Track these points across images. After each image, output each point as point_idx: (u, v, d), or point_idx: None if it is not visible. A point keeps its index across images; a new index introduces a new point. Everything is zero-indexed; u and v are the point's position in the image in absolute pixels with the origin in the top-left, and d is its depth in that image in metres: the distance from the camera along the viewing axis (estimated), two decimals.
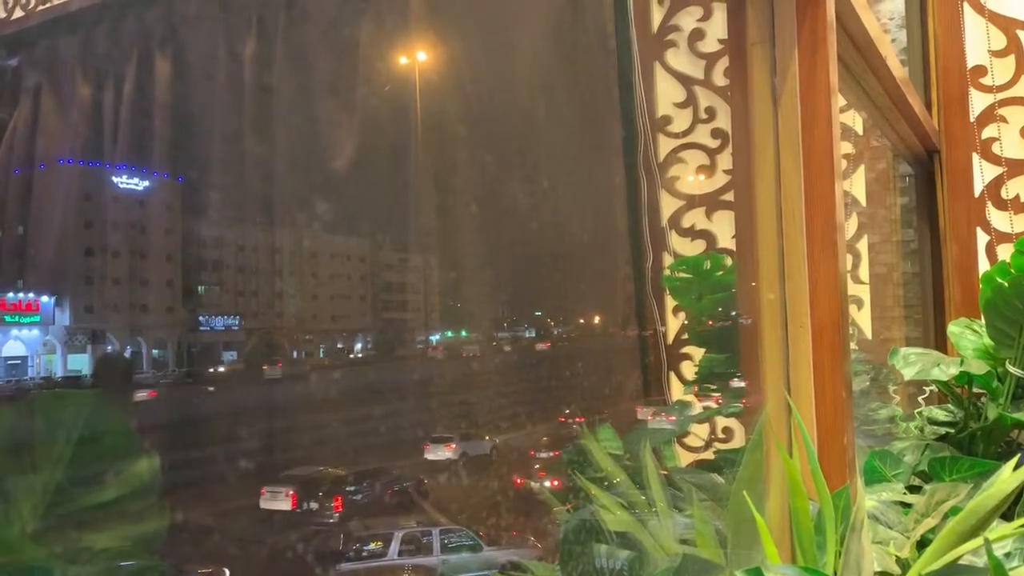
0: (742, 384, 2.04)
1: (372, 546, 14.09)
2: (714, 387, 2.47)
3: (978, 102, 2.95)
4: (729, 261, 2.41)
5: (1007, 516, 1.50)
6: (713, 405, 2.50)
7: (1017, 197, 2.88)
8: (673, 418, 2.64)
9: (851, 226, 3.05)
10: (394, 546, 13.82)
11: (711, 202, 2.86)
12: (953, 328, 2.33)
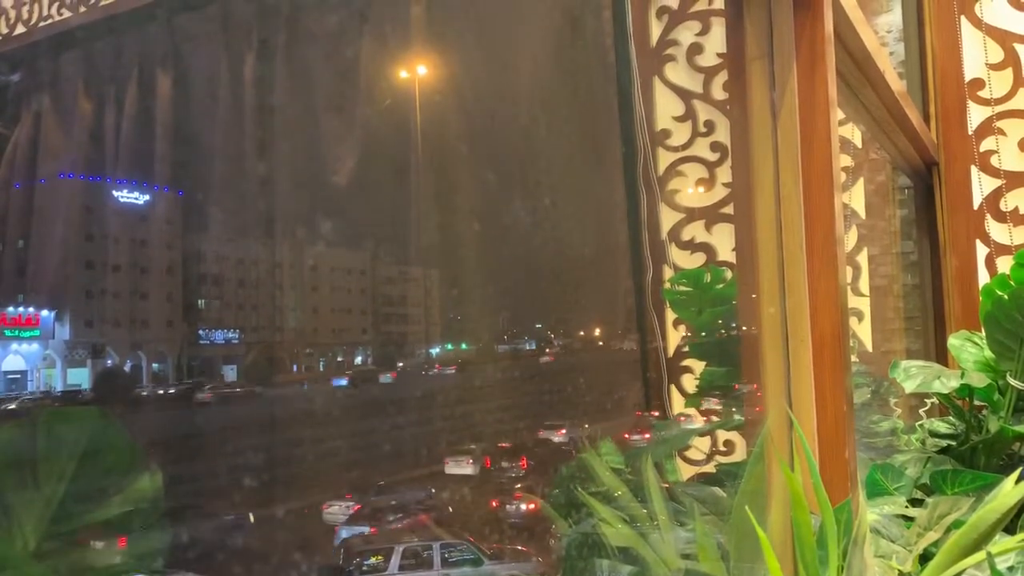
0: (743, 397, 2.04)
1: (373, 560, 14.07)
2: (715, 400, 2.47)
3: (976, 115, 2.96)
4: (729, 274, 2.41)
5: (1010, 529, 1.50)
6: (715, 418, 2.49)
7: (1016, 209, 2.89)
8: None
9: (851, 238, 3.06)
10: (394, 560, 13.80)
11: (710, 215, 2.86)
12: (953, 341, 2.33)
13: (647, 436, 2.47)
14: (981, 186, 2.94)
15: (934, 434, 2.26)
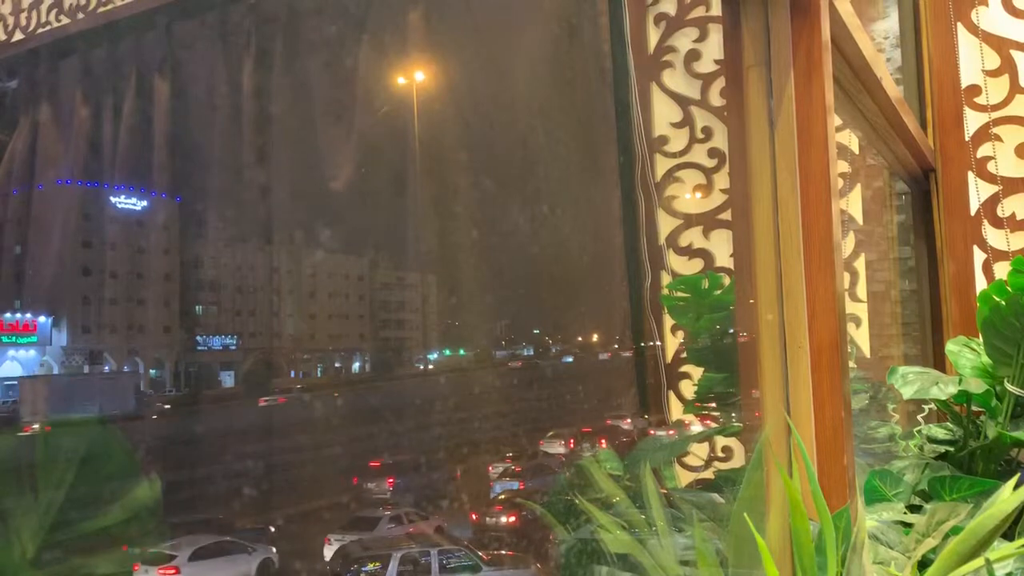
0: (741, 403, 2.04)
1: (370, 567, 14.04)
2: (713, 406, 2.47)
3: (973, 121, 2.96)
4: (727, 280, 2.41)
5: (1008, 536, 1.50)
6: (713, 424, 2.49)
7: (1013, 215, 2.89)
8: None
9: (848, 244, 3.06)
10: (392, 567, 13.77)
11: (708, 221, 2.86)
12: (951, 346, 2.33)
13: (671, 432, 2.79)
14: (978, 192, 2.94)
15: (932, 440, 2.26)
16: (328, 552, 15.44)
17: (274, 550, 15.05)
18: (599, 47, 3.11)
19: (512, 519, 15.60)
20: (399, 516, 16.97)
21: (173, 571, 13.70)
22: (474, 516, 16.94)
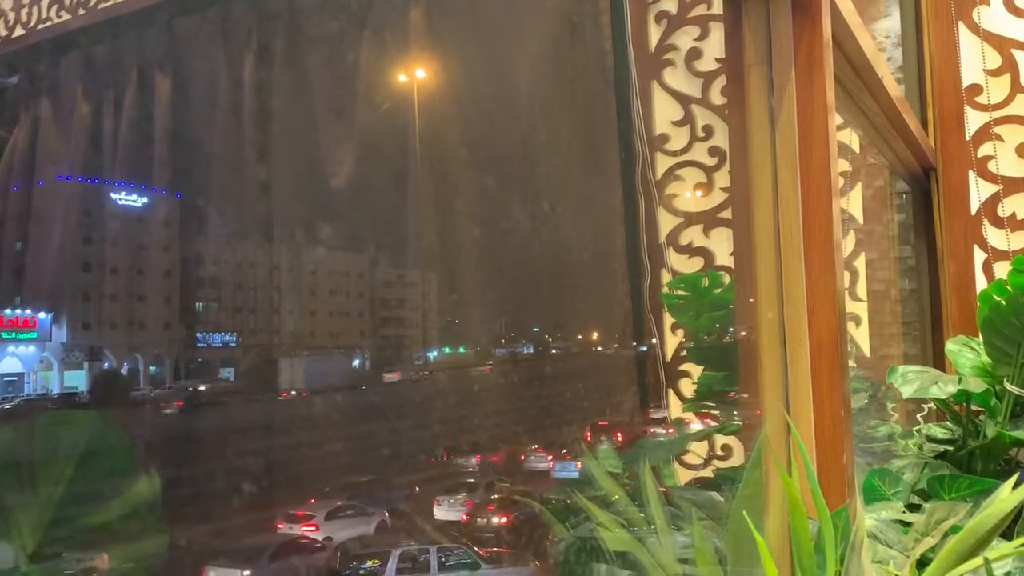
0: (741, 402, 2.04)
1: (369, 564, 14.07)
2: (713, 405, 2.47)
3: (974, 121, 2.96)
4: (727, 279, 2.42)
5: (1007, 535, 1.50)
6: (712, 423, 2.50)
7: (1014, 215, 2.89)
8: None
9: (848, 243, 3.06)
10: (391, 564, 13.79)
11: (709, 219, 2.87)
12: (951, 346, 2.33)
13: (670, 431, 2.82)
14: (979, 191, 2.94)
15: (931, 439, 2.26)
16: (438, 511, 17.51)
17: (387, 514, 17.49)
18: (600, 45, 3.11)
19: (505, 520, 15.87)
20: (491, 483, 19.25)
21: (314, 527, 16.35)
22: (464, 517, 17.45)
